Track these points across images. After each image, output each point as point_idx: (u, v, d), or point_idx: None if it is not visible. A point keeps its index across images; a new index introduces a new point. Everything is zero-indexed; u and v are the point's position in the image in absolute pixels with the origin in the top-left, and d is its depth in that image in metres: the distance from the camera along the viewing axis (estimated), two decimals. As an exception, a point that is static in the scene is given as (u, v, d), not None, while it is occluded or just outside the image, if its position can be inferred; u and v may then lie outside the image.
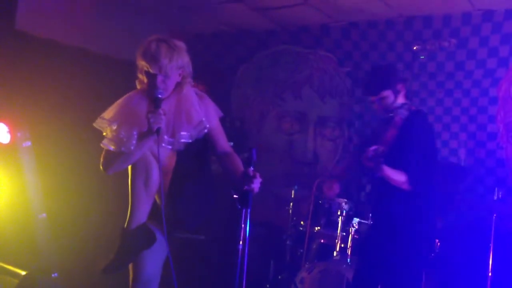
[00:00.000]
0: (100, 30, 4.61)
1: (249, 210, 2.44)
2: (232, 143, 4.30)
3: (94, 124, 2.38)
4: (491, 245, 3.47)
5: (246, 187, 2.39)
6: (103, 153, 2.39)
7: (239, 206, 2.48)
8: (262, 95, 5.25)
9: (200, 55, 5.43)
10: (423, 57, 4.28)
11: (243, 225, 2.46)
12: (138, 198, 2.45)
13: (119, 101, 2.44)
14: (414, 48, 4.29)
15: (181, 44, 2.41)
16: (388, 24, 4.52)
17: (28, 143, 3.81)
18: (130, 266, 2.54)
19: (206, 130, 2.43)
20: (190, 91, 2.47)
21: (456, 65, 4.21)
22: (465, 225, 3.83)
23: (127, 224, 2.47)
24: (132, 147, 2.29)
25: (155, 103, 2.31)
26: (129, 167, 2.44)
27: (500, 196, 3.61)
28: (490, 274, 3.44)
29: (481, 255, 3.58)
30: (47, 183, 3.93)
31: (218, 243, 4.19)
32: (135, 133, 2.30)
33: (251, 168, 2.41)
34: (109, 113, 2.39)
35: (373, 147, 2.79)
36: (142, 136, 2.30)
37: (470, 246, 3.78)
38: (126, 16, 4.81)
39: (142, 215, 2.47)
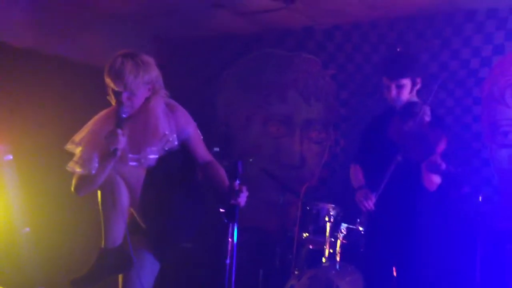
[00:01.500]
0: (82, 39, 4.54)
1: (236, 225, 2.42)
2: (218, 149, 4.30)
3: (66, 148, 2.37)
4: (478, 244, 3.49)
5: (232, 202, 2.36)
6: (74, 175, 2.37)
7: (226, 220, 2.45)
8: (247, 99, 5.22)
9: (184, 60, 5.39)
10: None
11: (230, 239, 2.44)
12: (108, 219, 2.44)
13: (90, 122, 2.42)
14: (398, 49, 4.30)
15: (148, 59, 2.37)
16: (371, 25, 4.51)
17: (10, 157, 3.75)
18: (120, 281, 2.52)
19: (172, 144, 2.37)
20: (157, 105, 2.41)
21: (440, 65, 4.21)
22: (452, 225, 3.85)
23: (103, 244, 2.47)
24: (93, 171, 2.27)
25: (117, 122, 2.27)
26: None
27: (486, 195, 3.64)
28: (477, 273, 3.46)
29: (469, 255, 3.59)
30: (30, 197, 3.87)
31: (207, 251, 4.17)
32: (95, 155, 2.27)
33: (237, 182, 2.38)
34: (78, 135, 2.37)
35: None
36: (103, 158, 2.28)
37: (457, 246, 3.79)
38: (108, 23, 4.74)
39: (116, 235, 2.44)
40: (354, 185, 3.17)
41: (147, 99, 2.41)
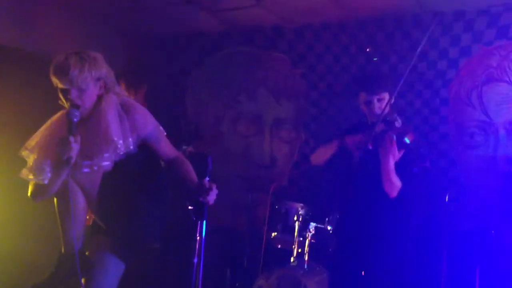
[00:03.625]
0: (48, 35, 4.40)
1: (204, 223, 2.37)
2: (187, 147, 4.23)
3: (20, 154, 2.28)
4: (444, 244, 3.53)
5: (201, 199, 2.31)
6: (30, 182, 2.30)
7: (194, 218, 2.40)
8: (217, 97, 5.16)
9: (152, 58, 5.30)
10: (376, 59, 4.31)
11: (198, 238, 2.39)
12: (64, 224, 2.40)
13: (42, 127, 2.33)
14: (368, 50, 4.33)
15: (95, 55, 2.27)
16: (341, 26, 4.52)
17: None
18: (83, 281, 2.44)
19: (126, 149, 2.28)
20: (108, 107, 2.29)
21: (408, 66, 4.23)
22: (418, 226, 3.87)
23: (63, 249, 2.44)
24: (45, 180, 2.19)
25: (68, 128, 2.16)
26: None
27: (451, 197, 3.67)
28: (443, 273, 3.49)
29: (435, 255, 3.63)
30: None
31: (175, 250, 4.10)
32: (48, 163, 2.20)
33: (207, 179, 2.33)
34: (30, 141, 2.29)
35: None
36: (56, 166, 2.19)
37: (424, 246, 3.82)
38: (76, 19, 4.60)
39: (74, 240, 2.35)
40: (329, 151, 3.14)
41: (99, 99, 2.31)
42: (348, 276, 3.11)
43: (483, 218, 3.77)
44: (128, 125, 2.31)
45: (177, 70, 5.34)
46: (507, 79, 3.83)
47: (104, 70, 2.29)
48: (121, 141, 2.25)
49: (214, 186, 2.30)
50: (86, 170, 2.26)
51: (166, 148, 2.51)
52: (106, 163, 2.27)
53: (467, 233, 3.69)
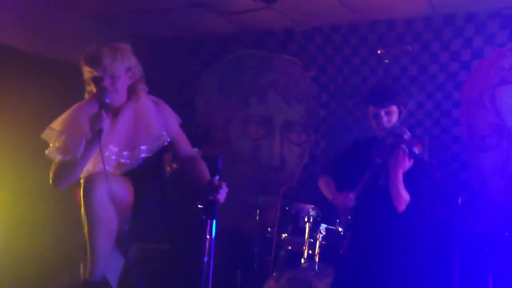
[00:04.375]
0: (56, 37, 4.44)
1: (214, 221, 2.36)
2: (197, 149, 4.23)
3: (42, 135, 2.27)
4: (457, 246, 3.50)
5: (211, 197, 2.31)
6: (52, 167, 2.27)
7: (204, 217, 2.39)
8: (227, 100, 5.17)
9: (163, 60, 5.32)
10: (387, 60, 4.30)
11: (208, 236, 2.38)
12: (100, 248, 2.30)
13: (69, 111, 2.33)
14: (379, 52, 4.31)
15: (125, 46, 2.34)
16: (351, 28, 4.51)
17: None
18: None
19: (166, 143, 2.37)
20: (147, 101, 2.39)
21: (419, 68, 4.23)
22: (431, 229, 3.84)
23: (89, 275, 2.31)
24: (78, 154, 2.18)
25: (101, 105, 2.21)
26: (84, 216, 2.30)
27: (464, 199, 3.64)
28: (456, 276, 3.46)
29: (447, 258, 3.59)
30: (2, 196, 3.77)
31: (184, 252, 4.10)
32: (78, 140, 2.20)
33: (217, 178, 2.33)
34: (58, 123, 2.28)
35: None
36: (87, 142, 2.20)
37: (436, 249, 3.79)
38: (85, 22, 4.65)
39: (105, 264, 2.33)
40: (329, 195, 3.12)
41: (133, 92, 2.36)
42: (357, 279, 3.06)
43: (496, 220, 3.73)
44: (162, 121, 2.39)
45: (188, 73, 5.35)
46: (520, 81, 3.80)
47: (134, 60, 2.35)
48: (164, 133, 2.35)
49: (224, 185, 2.30)
50: (125, 160, 2.28)
51: (187, 146, 2.56)
52: (144, 155, 2.32)
53: (480, 235, 3.65)
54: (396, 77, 4.32)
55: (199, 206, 2.53)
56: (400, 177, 2.74)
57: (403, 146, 2.71)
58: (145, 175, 2.46)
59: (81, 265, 2.38)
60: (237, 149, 5.05)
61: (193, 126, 5.22)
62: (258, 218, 4.13)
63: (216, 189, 2.29)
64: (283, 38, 4.90)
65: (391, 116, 2.90)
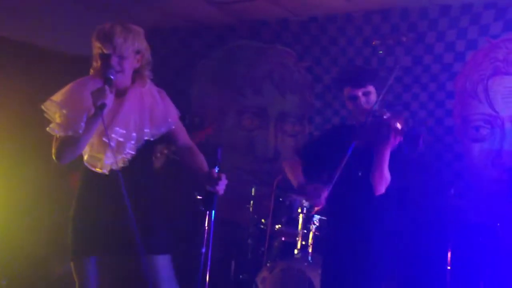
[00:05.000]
0: (47, 25, 4.39)
1: (213, 213, 2.35)
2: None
3: (42, 106, 2.25)
4: (450, 237, 3.52)
5: (210, 189, 2.30)
6: (54, 142, 2.26)
7: (203, 208, 2.39)
8: (222, 91, 5.15)
9: (157, 50, 5.28)
10: (381, 51, 4.29)
11: (206, 228, 2.37)
12: None
13: (70, 84, 2.31)
14: (373, 43, 4.30)
15: (138, 28, 2.34)
16: (347, 18, 4.49)
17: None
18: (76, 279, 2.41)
19: (170, 129, 2.40)
20: (152, 87, 2.41)
21: (414, 59, 4.22)
22: (424, 220, 3.86)
23: None
24: (80, 130, 2.16)
25: (105, 80, 2.19)
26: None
27: (457, 190, 3.66)
28: (449, 267, 3.48)
29: (440, 249, 3.61)
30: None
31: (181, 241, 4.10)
32: (84, 116, 2.18)
33: (216, 169, 2.32)
34: (58, 95, 2.26)
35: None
36: (89, 117, 2.18)
37: (429, 240, 3.81)
38: (76, 10, 4.59)
39: None
40: (294, 180, 2.94)
41: (139, 76, 2.37)
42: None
43: (489, 211, 3.75)
44: (164, 108, 2.41)
45: (182, 63, 5.33)
46: (514, 72, 3.80)
47: (144, 45, 2.36)
48: (169, 119, 2.38)
49: (223, 176, 2.30)
50: (131, 143, 2.28)
51: (185, 136, 2.55)
52: (147, 138, 2.32)
53: (473, 226, 3.67)
54: (391, 68, 4.31)
55: (198, 197, 2.51)
56: (387, 156, 2.63)
57: (389, 122, 2.61)
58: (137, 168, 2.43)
59: None
60: (231, 140, 5.05)
61: (187, 116, 5.19)
62: (252, 209, 4.13)
63: (215, 180, 2.28)
64: (278, 29, 4.87)
65: (369, 97, 2.72)
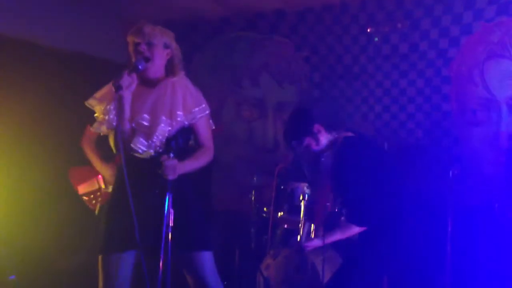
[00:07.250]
0: (43, 21, 4.37)
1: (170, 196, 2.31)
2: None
3: (86, 103, 2.45)
4: (449, 220, 3.55)
5: (159, 172, 2.32)
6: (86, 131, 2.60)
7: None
8: (219, 83, 5.18)
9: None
10: (377, 39, 4.32)
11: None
12: None
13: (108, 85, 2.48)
14: (368, 30, 4.34)
15: (169, 31, 2.54)
16: (342, 7, 4.52)
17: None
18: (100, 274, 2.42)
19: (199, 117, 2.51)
20: (185, 78, 2.55)
21: (410, 46, 4.26)
22: (423, 204, 3.90)
23: None
24: (113, 123, 2.37)
25: (130, 68, 2.33)
26: None
27: (455, 173, 3.70)
28: (448, 248, 3.52)
29: (439, 232, 3.66)
30: (2, 182, 3.79)
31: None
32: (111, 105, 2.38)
33: (172, 155, 2.35)
34: (99, 92, 2.46)
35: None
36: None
37: (428, 224, 3.86)
38: (71, 4, 4.58)
39: None
40: None
41: (170, 70, 2.51)
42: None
43: (487, 193, 3.80)
44: (197, 96, 2.57)
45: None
46: (508, 55, 3.84)
47: (174, 44, 2.55)
48: (197, 109, 2.50)
49: (167, 160, 2.29)
50: (164, 126, 2.37)
51: (207, 136, 2.62)
52: (180, 119, 2.43)
53: (471, 208, 3.72)
54: (387, 55, 4.35)
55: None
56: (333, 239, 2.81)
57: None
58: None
59: None
60: (230, 131, 5.08)
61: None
62: (254, 199, 4.18)
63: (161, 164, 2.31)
64: (274, 19, 4.90)
65: (309, 147, 2.84)
